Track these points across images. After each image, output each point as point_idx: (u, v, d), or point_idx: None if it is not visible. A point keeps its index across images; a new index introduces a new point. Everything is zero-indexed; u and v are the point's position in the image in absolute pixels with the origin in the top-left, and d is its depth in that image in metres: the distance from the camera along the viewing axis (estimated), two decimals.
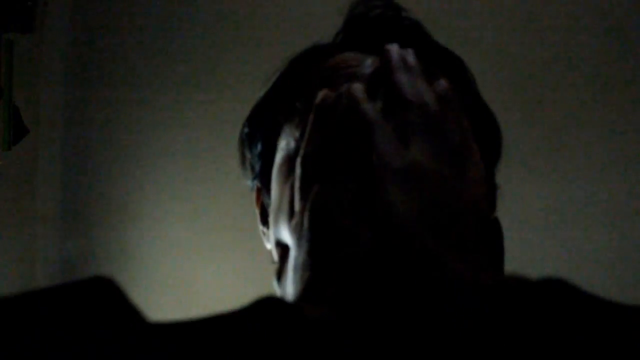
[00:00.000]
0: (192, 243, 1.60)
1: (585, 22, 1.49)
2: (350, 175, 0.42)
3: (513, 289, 0.34)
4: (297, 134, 0.53)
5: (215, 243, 1.59)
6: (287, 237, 0.47)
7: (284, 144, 0.54)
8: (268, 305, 0.33)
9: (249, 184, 0.65)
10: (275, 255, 0.53)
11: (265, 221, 0.61)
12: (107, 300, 0.31)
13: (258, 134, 0.62)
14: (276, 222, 0.51)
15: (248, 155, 0.64)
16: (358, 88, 0.46)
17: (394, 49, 0.49)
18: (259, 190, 0.62)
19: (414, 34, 0.62)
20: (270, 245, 0.60)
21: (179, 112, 1.64)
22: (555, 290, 0.33)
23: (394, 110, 0.45)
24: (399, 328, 0.33)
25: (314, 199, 0.43)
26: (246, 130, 0.65)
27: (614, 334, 0.29)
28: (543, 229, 1.46)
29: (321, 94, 0.48)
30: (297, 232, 0.43)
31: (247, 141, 0.65)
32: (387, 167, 0.40)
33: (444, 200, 0.40)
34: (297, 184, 0.45)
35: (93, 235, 1.66)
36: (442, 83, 0.48)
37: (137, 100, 1.66)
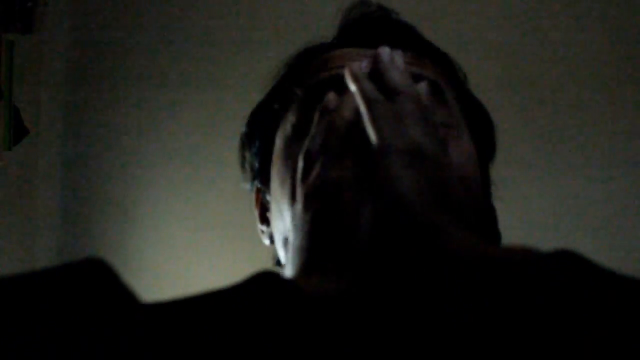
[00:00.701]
0: (192, 242, 1.61)
1: (586, 22, 1.49)
2: (350, 154, 0.43)
3: (522, 262, 0.34)
4: (294, 119, 0.54)
5: (215, 242, 1.59)
6: (288, 222, 0.48)
7: (282, 132, 0.55)
8: (263, 278, 0.34)
9: (249, 185, 0.65)
10: (279, 251, 0.54)
11: (264, 219, 0.62)
12: (100, 280, 0.31)
13: (256, 132, 0.63)
14: (279, 211, 0.51)
15: (247, 155, 0.65)
16: (357, 67, 0.48)
17: (385, 50, 0.52)
18: (258, 191, 0.63)
19: (408, 34, 0.64)
20: (268, 241, 0.61)
21: (178, 112, 1.64)
22: (567, 263, 0.33)
23: (389, 99, 0.46)
24: (402, 301, 0.33)
25: (314, 179, 0.44)
26: (245, 131, 0.66)
27: (630, 308, 0.29)
28: (543, 229, 1.46)
29: (327, 97, 0.49)
30: (298, 216, 0.44)
31: (246, 141, 0.66)
32: (387, 144, 0.41)
33: (443, 179, 0.41)
34: (298, 176, 0.46)
35: (93, 235, 1.66)
36: (423, 85, 0.52)
37: (136, 100, 1.66)
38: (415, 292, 0.35)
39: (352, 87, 0.46)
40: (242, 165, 0.66)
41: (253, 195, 0.65)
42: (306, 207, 0.44)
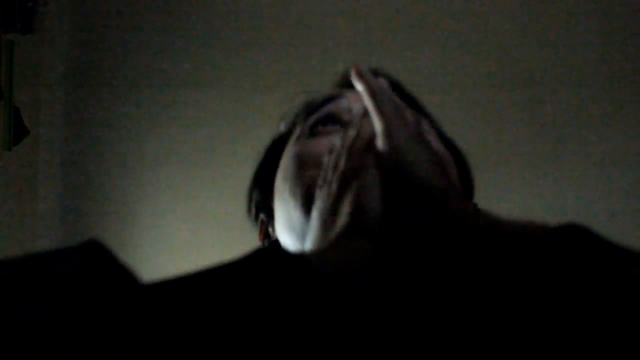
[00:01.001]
0: (191, 241, 1.61)
1: (586, 22, 1.49)
2: (357, 155, 0.46)
3: (532, 232, 0.35)
4: (298, 131, 0.58)
5: (215, 241, 1.59)
6: (291, 210, 0.52)
7: (286, 150, 0.60)
8: (266, 252, 0.34)
9: (254, 222, 0.68)
10: (282, 239, 0.56)
11: (264, 237, 0.65)
12: (99, 260, 0.32)
13: (263, 163, 0.67)
14: (283, 202, 0.55)
15: (254, 195, 0.68)
16: (361, 66, 0.52)
17: (381, 80, 0.57)
18: (262, 224, 0.66)
19: (395, 86, 0.71)
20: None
21: (178, 112, 1.64)
22: (574, 235, 0.34)
23: None
24: (416, 266, 0.35)
25: (328, 180, 0.47)
26: (253, 172, 0.70)
27: (634, 278, 0.30)
28: None
29: (333, 144, 0.54)
30: (315, 211, 0.47)
31: (253, 181, 0.69)
32: (392, 126, 0.45)
33: (440, 161, 0.45)
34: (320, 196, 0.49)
35: (93, 235, 1.66)
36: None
37: (136, 100, 1.66)
38: (429, 257, 0.36)
39: (358, 85, 0.48)
40: (249, 209, 0.71)
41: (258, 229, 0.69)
42: (321, 196, 0.46)
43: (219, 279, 0.33)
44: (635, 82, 1.47)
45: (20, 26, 1.45)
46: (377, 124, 0.45)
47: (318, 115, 0.58)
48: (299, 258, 0.35)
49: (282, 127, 0.66)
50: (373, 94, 0.47)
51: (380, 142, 0.44)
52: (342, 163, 0.46)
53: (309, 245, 0.45)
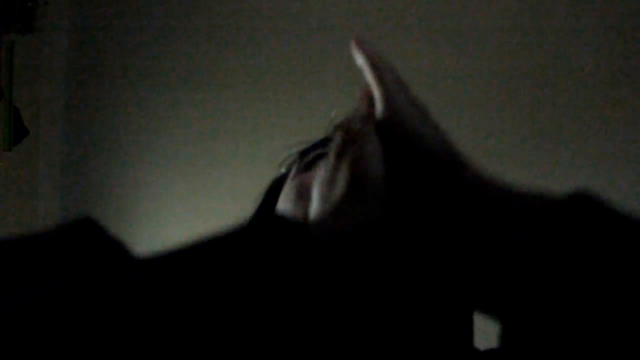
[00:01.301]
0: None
1: (586, 22, 1.49)
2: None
3: (547, 201, 0.36)
4: (299, 167, 0.60)
5: None
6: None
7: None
8: (265, 221, 0.35)
9: None
10: None
11: None
12: (93, 235, 0.32)
13: (262, 210, 0.68)
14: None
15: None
16: (362, 36, 0.52)
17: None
18: None
19: None
20: None
21: (178, 112, 1.64)
22: (583, 203, 0.34)
23: None
24: (429, 226, 0.35)
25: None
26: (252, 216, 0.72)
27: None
28: None
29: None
30: (321, 178, 0.47)
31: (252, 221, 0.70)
32: (394, 98, 0.45)
33: (441, 129, 0.46)
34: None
35: None
36: None
37: (136, 100, 1.66)
38: (438, 226, 0.36)
39: (358, 57, 0.48)
40: None
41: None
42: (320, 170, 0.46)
43: (218, 249, 0.33)
44: (635, 82, 1.47)
45: (20, 26, 1.45)
46: (376, 91, 0.45)
47: (313, 155, 0.59)
48: (298, 226, 0.35)
49: (282, 170, 0.68)
50: (373, 64, 0.47)
51: (379, 107, 0.44)
52: (338, 137, 0.46)
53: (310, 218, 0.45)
